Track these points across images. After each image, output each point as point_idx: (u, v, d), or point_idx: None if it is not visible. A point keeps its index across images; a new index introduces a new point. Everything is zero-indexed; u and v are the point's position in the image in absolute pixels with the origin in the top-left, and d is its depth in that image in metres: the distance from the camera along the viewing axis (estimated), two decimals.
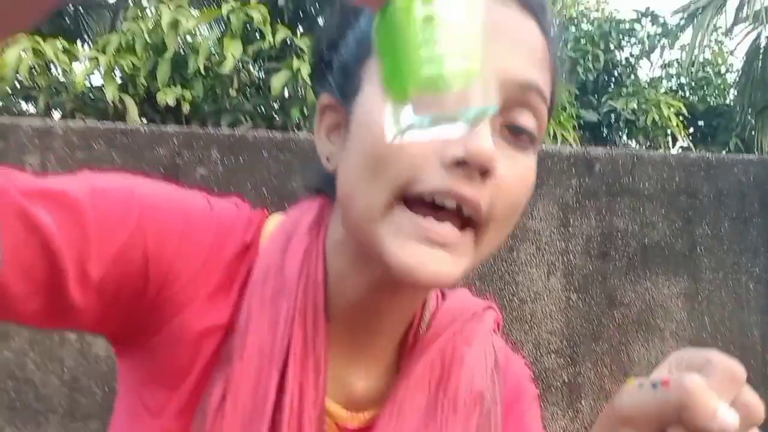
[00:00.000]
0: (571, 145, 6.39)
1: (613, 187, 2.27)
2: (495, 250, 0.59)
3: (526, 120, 0.56)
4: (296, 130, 5.05)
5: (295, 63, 4.68)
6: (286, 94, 4.91)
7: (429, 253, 0.52)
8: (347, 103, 0.59)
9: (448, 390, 0.63)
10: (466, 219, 0.53)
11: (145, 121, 4.65)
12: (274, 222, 0.65)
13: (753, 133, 8.64)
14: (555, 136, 6.36)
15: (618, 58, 8.18)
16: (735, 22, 8.50)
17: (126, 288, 0.56)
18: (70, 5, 5.66)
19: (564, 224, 2.23)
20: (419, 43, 0.28)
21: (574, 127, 6.56)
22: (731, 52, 9.55)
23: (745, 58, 8.69)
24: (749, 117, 8.65)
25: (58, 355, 1.91)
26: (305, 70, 4.62)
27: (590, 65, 7.69)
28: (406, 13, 0.28)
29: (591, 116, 7.50)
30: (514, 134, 0.56)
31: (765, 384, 2.46)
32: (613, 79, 8.14)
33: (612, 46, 8.00)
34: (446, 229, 0.52)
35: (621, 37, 8.07)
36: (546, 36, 0.59)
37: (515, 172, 0.55)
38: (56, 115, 4.27)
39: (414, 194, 0.52)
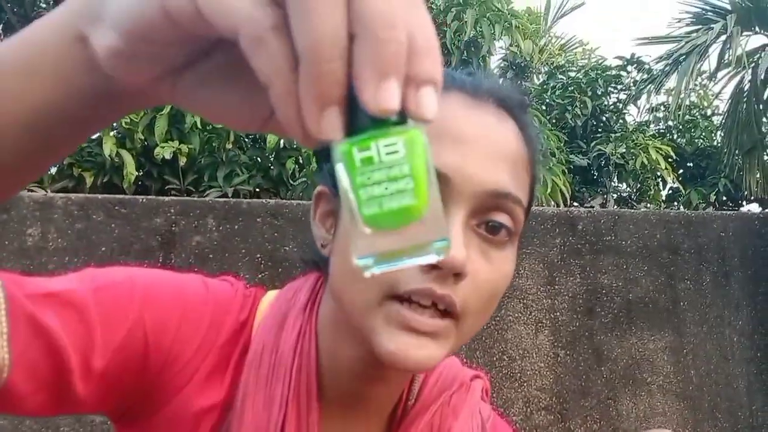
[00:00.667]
0: (561, 190, 6.49)
1: (596, 245, 2.34)
2: (480, 327, 0.62)
3: (501, 220, 0.58)
4: (291, 181, 5.14)
5: None
6: (281, 145, 5.02)
7: (413, 341, 0.55)
8: (338, 195, 0.63)
9: None
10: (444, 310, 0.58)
11: (141, 173, 4.74)
12: (268, 299, 0.68)
13: (741, 173, 8.76)
14: (545, 182, 6.47)
15: (605, 103, 8.34)
16: (718, 68, 8.70)
17: (127, 375, 0.59)
18: None
19: (550, 282, 2.29)
20: (359, 184, 0.29)
21: (563, 173, 6.67)
22: (716, 95, 9.74)
23: (730, 101, 8.87)
24: (737, 158, 8.78)
25: (55, 420, 1.94)
26: None
27: (578, 111, 7.83)
28: (348, 155, 0.29)
29: (581, 161, 7.62)
30: (490, 232, 0.58)
31: None
32: (602, 125, 8.29)
33: (599, 93, 8.16)
34: (428, 319, 0.56)
35: (608, 83, 8.25)
36: (524, 133, 0.62)
37: (489, 267, 0.58)
38: (52, 169, 4.34)
39: (397, 294, 0.56)
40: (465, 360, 0.77)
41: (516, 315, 2.24)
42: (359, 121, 0.28)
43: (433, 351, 0.56)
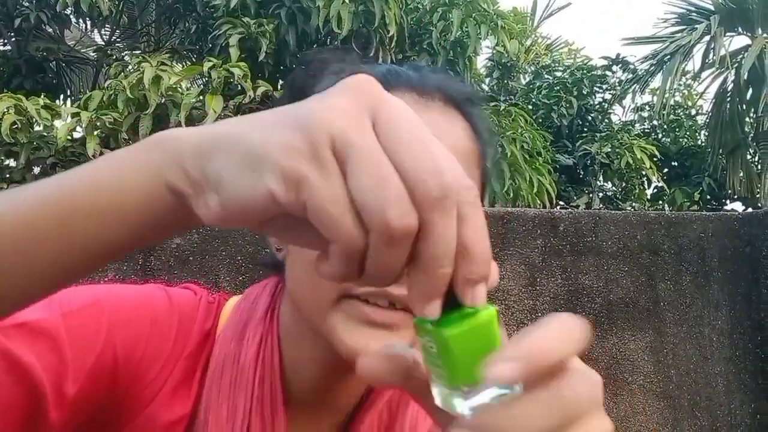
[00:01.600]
0: (547, 189, 6.52)
1: (578, 246, 2.35)
2: None
3: None
4: None
5: None
6: None
7: (373, 334, 0.56)
8: None
9: None
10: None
11: None
12: (230, 306, 0.69)
13: (725, 173, 8.84)
14: (531, 182, 6.50)
15: (591, 103, 8.39)
16: (702, 68, 8.78)
17: (96, 395, 0.60)
18: (53, 62, 5.74)
19: (531, 283, 2.30)
20: (450, 363, 0.34)
21: (549, 172, 6.70)
22: (700, 95, 9.83)
23: (713, 101, 8.96)
24: (720, 157, 8.86)
25: None
26: None
27: (564, 111, 7.88)
28: (425, 349, 0.36)
29: (566, 161, 7.66)
30: None
31: None
32: (587, 124, 8.34)
33: (585, 93, 8.22)
34: (386, 312, 0.57)
35: (593, 83, 8.30)
36: (473, 127, 0.62)
37: None
38: (36, 170, 4.30)
39: (354, 294, 0.57)
40: None
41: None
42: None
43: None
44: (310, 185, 0.32)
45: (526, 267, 2.30)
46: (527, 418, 0.31)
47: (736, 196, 8.83)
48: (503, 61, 8.37)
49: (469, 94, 0.64)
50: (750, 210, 7.70)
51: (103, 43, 6.38)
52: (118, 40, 6.49)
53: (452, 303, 0.34)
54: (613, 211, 2.41)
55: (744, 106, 8.69)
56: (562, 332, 0.33)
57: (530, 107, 7.77)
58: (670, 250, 2.46)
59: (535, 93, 8.17)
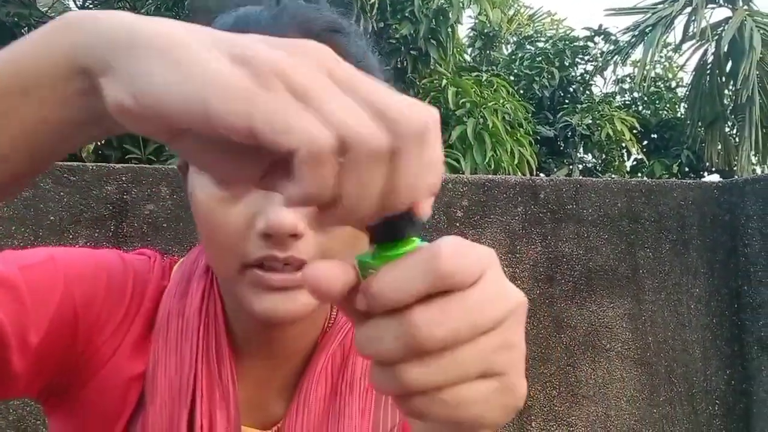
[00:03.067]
0: (528, 160, 6.52)
1: (558, 214, 2.34)
2: None
3: None
4: None
5: None
6: None
7: (279, 298, 0.57)
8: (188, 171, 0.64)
9: (346, 375, 0.67)
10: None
11: (102, 142, 4.60)
12: (178, 265, 0.70)
13: (703, 145, 8.92)
14: (512, 153, 6.49)
15: (573, 74, 8.38)
16: (683, 40, 8.79)
17: (58, 349, 0.60)
18: (25, 28, 5.57)
19: (511, 251, 2.29)
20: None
21: (530, 143, 6.69)
22: (681, 68, 9.86)
23: (694, 74, 8.99)
24: (699, 130, 8.93)
25: None
26: None
27: (546, 82, 7.85)
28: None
29: (547, 132, 7.66)
30: None
31: (708, 399, 2.56)
32: (569, 96, 8.33)
33: (567, 64, 8.19)
34: (286, 275, 0.57)
35: (575, 54, 8.27)
36: (347, 54, 0.58)
37: None
38: None
39: (250, 263, 0.57)
40: None
41: None
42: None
43: (301, 301, 0.58)
44: (256, 93, 0.29)
45: (506, 234, 2.28)
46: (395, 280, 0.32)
47: (714, 169, 8.92)
48: (485, 31, 8.29)
49: (329, 24, 0.61)
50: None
51: (77, 9, 6.20)
52: (91, 5, 6.31)
53: (386, 236, 0.33)
54: (593, 179, 2.40)
55: (723, 79, 8.74)
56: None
57: (512, 78, 7.73)
58: (650, 218, 2.46)
59: (517, 64, 8.13)
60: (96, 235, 1.91)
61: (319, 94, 0.29)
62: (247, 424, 0.66)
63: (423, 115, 0.31)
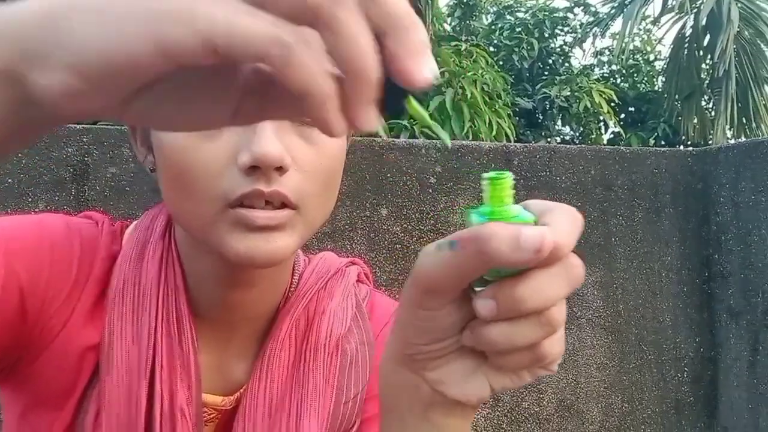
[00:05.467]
0: (506, 132, 6.50)
1: (531, 181, 2.32)
2: (328, 211, 0.63)
3: None
4: None
5: None
6: None
7: (259, 237, 0.56)
8: None
9: (311, 341, 0.66)
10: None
11: None
12: (131, 229, 0.67)
13: (680, 118, 8.97)
14: (490, 124, 6.46)
15: (552, 46, 8.34)
16: (662, 12, 8.77)
17: (6, 326, 0.58)
18: None
19: None
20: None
21: (509, 115, 6.67)
22: (659, 41, 9.87)
23: (672, 47, 9.00)
24: (676, 103, 8.98)
25: None
26: None
27: (525, 53, 7.81)
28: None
29: (526, 104, 7.64)
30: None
31: (677, 366, 2.59)
32: (548, 67, 8.31)
33: (546, 35, 8.15)
34: (268, 213, 0.56)
35: (555, 25, 8.22)
36: None
37: (314, 150, 0.58)
38: None
39: (231, 202, 0.56)
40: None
41: None
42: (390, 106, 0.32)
43: (281, 242, 0.57)
44: (211, 11, 0.27)
45: (479, 201, 2.25)
46: (543, 289, 0.37)
47: (690, 142, 8.99)
48: (465, 0, 8.19)
49: None
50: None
51: None
52: None
53: (392, 109, 0.33)
54: (567, 146, 2.38)
55: (701, 53, 8.76)
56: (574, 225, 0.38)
57: (492, 49, 7.67)
58: (623, 186, 2.45)
59: (496, 34, 8.07)
60: (56, 198, 1.85)
61: None
62: (208, 390, 0.64)
63: None
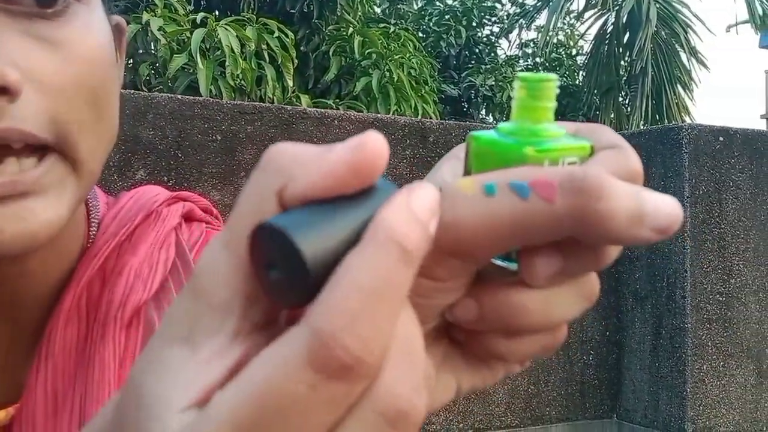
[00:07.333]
0: (431, 118, 6.50)
1: None
2: (108, 146, 0.45)
3: None
4: (146, 89, 4.70)
5: (145, 16, 4.34)
6: (137, 49, 4.55)
7: (3, 212, 0.38)
8: None
9: (100, 311, 0.49)
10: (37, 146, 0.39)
11: None
12: None
13: (598, 113, 9.26)
14: (416, 109, 6.44)
15: (479, 35, 8.41)
16: (586, 8, 9.00)
17: None
18: None
19: None
20: None
21: (435, 102, 6.67)
22: (582, 36, 10.15)
23: (593, 42, 9.26)
24: (595, 98, 9.26)
25: None
26: (156, 24, 4.30)
27: (453, 41, 7.84)
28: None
29: (452, 91, 7.67)
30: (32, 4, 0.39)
31: (583, 348, 2.62)
32: (474, 56, 8.38)
33: (474, 24, 8.20)
34: (10, 170, 0.38)
35: (483, 14, 8.30)
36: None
37: (58, 56, 0.40)
38: None
39: None
40: None
41: None
42: None
43: (41, 214, 0.39)
44: None
45: (393, 178, 2.19)
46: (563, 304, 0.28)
47: None
48: None
49: None
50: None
51: None
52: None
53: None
54: (483, 124, 2.35)
55: (621, 49, 9.06)
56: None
57: (420, 35, 7.65)
58: None
59: (426, 20, 8.06)
60: None
61: None
62: None
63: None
